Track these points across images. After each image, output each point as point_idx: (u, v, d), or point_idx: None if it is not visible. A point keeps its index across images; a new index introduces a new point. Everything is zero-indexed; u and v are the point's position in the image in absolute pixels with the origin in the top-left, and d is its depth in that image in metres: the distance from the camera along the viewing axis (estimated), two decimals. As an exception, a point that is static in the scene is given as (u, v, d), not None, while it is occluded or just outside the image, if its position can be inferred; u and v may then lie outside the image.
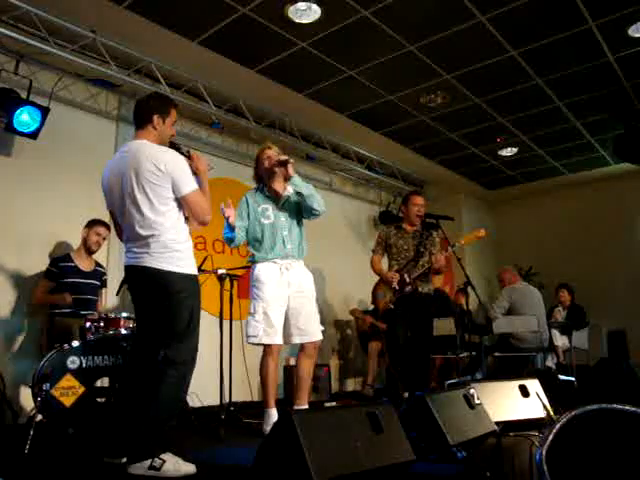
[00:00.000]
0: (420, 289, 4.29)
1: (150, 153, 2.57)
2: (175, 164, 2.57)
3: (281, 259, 3.46)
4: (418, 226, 4.49)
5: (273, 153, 3.57)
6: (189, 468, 2.43)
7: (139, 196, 2.55)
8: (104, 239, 4.15)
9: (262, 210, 3.53)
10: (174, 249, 2.56)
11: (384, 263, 4.56)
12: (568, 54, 4.65)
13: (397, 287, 4.25)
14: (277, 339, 3.39)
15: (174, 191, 2.57)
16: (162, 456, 2.40)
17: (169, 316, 2.55)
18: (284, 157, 3.43)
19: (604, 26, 4.24)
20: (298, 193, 3.48)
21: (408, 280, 4.24)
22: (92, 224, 4.10)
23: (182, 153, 2.76)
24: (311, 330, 3.49)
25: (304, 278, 3.55)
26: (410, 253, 4.34)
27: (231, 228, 3.44)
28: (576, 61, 4.78)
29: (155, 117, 2.69)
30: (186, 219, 2.70)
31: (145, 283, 2.61)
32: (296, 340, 3.49)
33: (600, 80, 5.10)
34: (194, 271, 2.66)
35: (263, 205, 3.55)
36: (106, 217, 4.49)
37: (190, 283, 2.61)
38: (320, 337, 3.55)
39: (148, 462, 2.37)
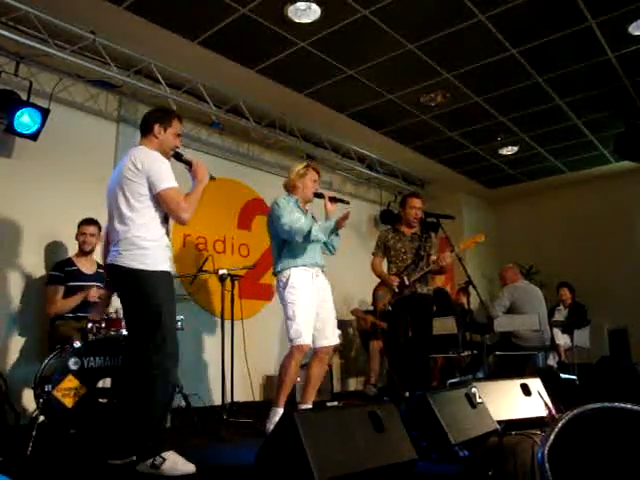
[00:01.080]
0: (419, 290, 4.34)
1: (134, 154, 2.69)
2: (152, 163, 2.66)
3: (311, 267, 3.58)
4: (416, 228, 4.53)
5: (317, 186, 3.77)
6: (188, 468, 2.45)
7: (119, 193, 2.68)
8: (93, 236, 4.08)
9: (297, 218, 3.58)
10: (141, 246, 2.63)
11: (384, 265, 4.60)
12: (568, 52, 4.65)
13: (397, 290, 4.32)
14: (311, 341, 3.51)
15: (151, 189, 2.66)
16: (164, 454, 2.44)
17: (140, 315, 2.63)
18: (339, 196, 3.74)
19: (604, 24, 4.23)
20: (331, 231, 3.64)
21: (407, 283, 4.30)
22: (79, 224, 4.10)
23: (183, 161, 2.86)
24: (333, 336, 3.65)
25: (327, 287, 3.70)
26: (408, 256, 4.40)
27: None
28: (576, 59, 4.78)
29: (156, 126, 2.81)
30: (165, 220, 2.77)
31: (118, 281, 2.70)
32: (322, 343, 3.59)
33: (600, 78, 5.10)
34: (163, 268, 2.67)
35: (297, 214, 3.61)
36: (103, 216, 4.50)
37: (157, 281, 2.63)
38: (338, 341, 3.72)
39: (150, 461, 2.42)
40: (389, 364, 4.65)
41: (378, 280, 4.83)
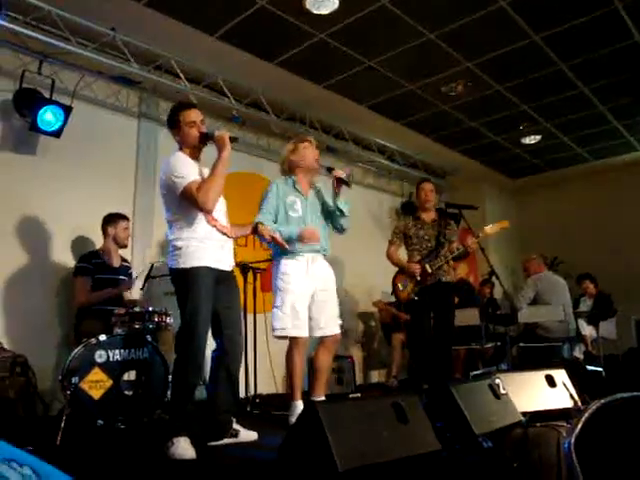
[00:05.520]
0: (443, 279, 4.28)
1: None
2: (166, 168, 2.80)
3: (306, 253, 3.43)
4: (435, 215, 4.47)
5: (317, 153, 3.61)
6: (189, 454, 2.52)
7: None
8: (127, 230, 4.17)
9: (290, 202, 3.48)
10: (177, 247, 2.80)
11: (401, 254, 4.55)
12: (592, 37, 4.54)
13: (419, 278, 4.23)
14: (304, 332, 3.36)
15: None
16: (174, 439, 2.54)
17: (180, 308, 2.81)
18: (343, 174, 3.50)
19: (631, 5, 4.11)
20: (339, 210, 3.54)
21: (430, 271, 4.23)
22: (117, 220, 4.11)
23: (209, 138, 2.88)
24: (330, 326, 3.46)
25: (328, 274, 3.54)
26: (431, 243, 4.33)
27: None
28: (601, 44, 4.66)
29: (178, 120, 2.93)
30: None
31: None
32: (317, 334, 3.45)
33: (627, 62, 4.97)
34: (193, 264, 2.75)
35: (291, 197, 3.49)
36: (125, 211, 4.53)
37: (185, 278, 2.76)
38: (338, 331, 3.51)
39: (168, 443, 2.55)
40: (412, 357, 4.57)
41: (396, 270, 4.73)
